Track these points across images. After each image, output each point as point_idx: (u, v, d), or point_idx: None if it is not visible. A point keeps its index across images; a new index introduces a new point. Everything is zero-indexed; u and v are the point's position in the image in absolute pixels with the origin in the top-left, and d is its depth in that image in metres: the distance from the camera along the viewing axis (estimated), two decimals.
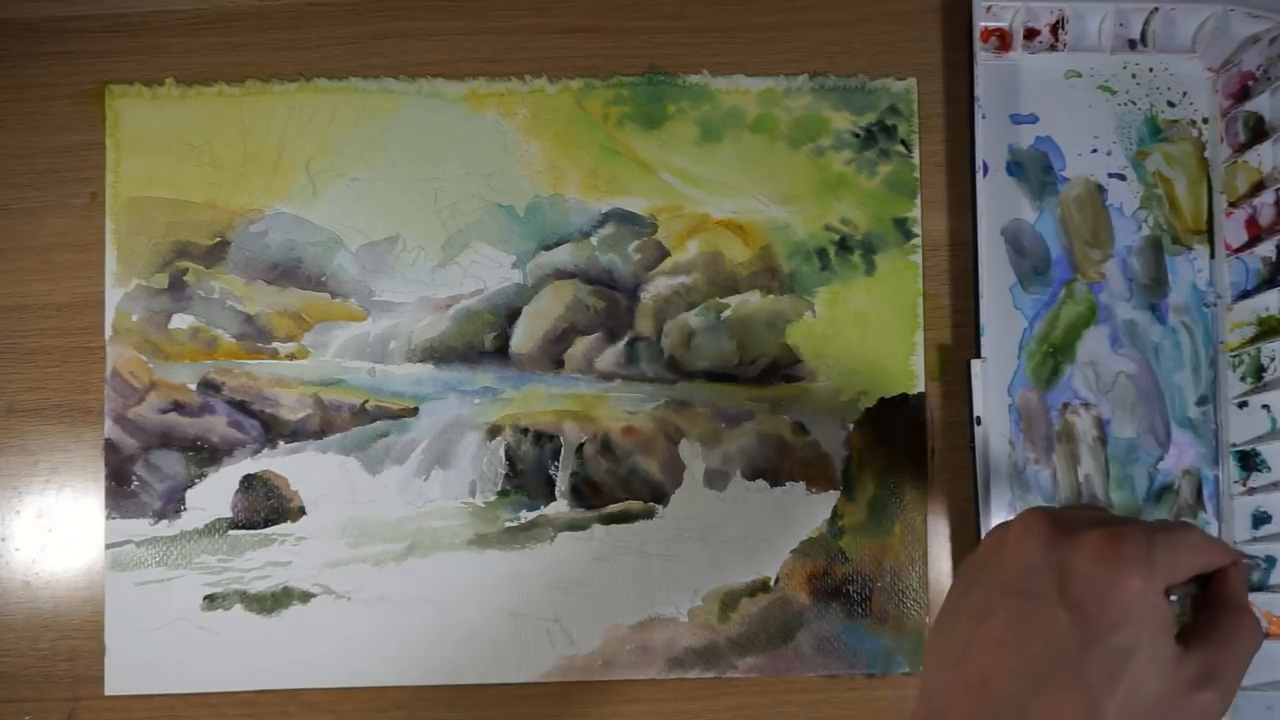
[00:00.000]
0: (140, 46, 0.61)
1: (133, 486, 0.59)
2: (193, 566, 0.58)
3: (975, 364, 0.57)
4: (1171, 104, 0.61)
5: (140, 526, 0.59)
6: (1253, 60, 0.59)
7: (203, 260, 0.60)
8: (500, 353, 0.60)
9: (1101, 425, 0.59)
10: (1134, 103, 0.61)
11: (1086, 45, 0.61)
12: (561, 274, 0.60)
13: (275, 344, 0.60)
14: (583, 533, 0.59)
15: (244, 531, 0.59)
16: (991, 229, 0.60)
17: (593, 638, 0.58)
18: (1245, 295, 0.59)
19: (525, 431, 0.60)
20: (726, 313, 0.60)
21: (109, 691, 0.58)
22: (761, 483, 0.59)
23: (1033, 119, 0.61)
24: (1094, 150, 0.61)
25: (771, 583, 0.59)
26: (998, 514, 0.58)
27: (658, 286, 0.60)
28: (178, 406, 0.59)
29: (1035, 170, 0.60)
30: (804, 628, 0.59)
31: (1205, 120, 0.61)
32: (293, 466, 0.59)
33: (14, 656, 0.59)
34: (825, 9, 0.61)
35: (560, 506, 0.59)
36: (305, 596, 0.58)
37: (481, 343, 0.60)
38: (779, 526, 0.59)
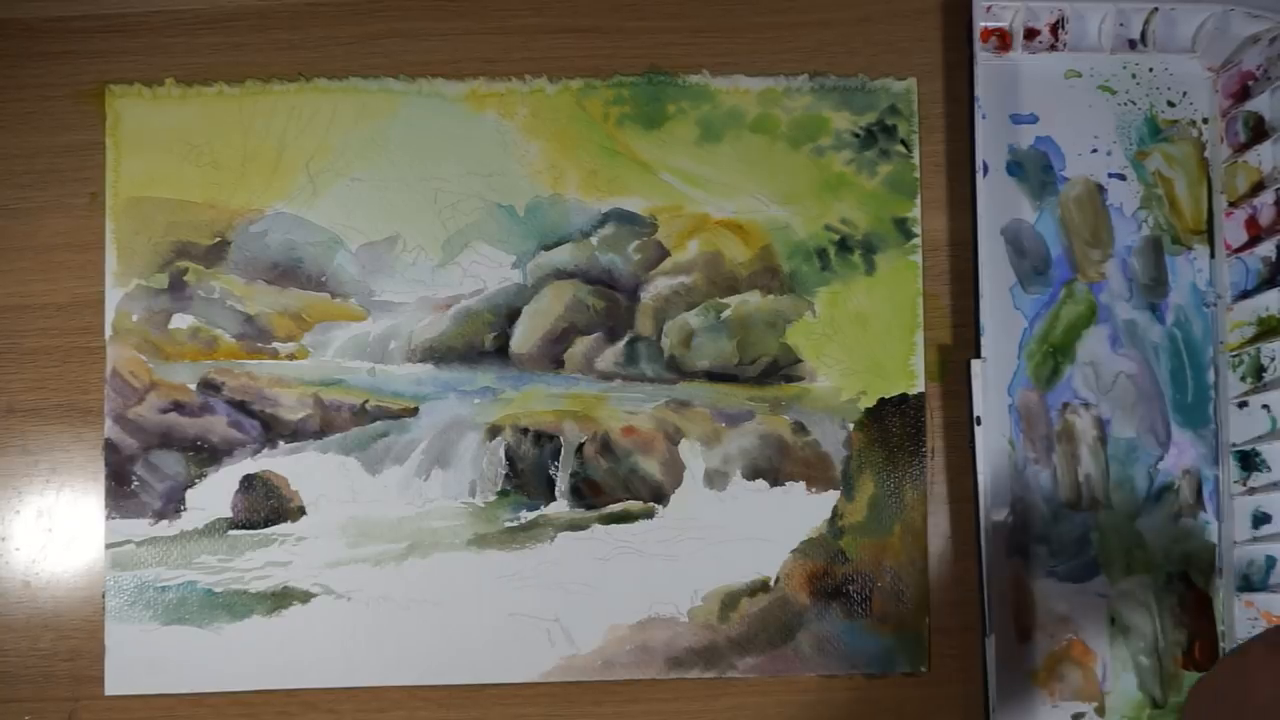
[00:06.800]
0: (140, 46, 0.61)
1: (133, 486, 0.59)
2: (193, 566, 0.58)
3: (975, 364, 0.57)
4: (1171, 104, 0.61)
5: (140, 526, 0.59)
6: (1253, 60, 0.59)
7: (203, 260, 0.60)
8: (500, 353, 0.60)
9: (1101, 425, 0.59)
10: (1134, 103, 0.61)
11: (1086, 45, 0.61)
12: (561, 274, 0.60)
13: (275, 344, 0.60)
14: (583, 533, 0.59)
15: (244, 531, 0.59)
16: (991, 229, 0.60)
17: (593, 638, 0.58)
18: (1245, 295, 0.59)
19: (525, 431, 0.60)
20: (726, 313, 0.60)
21: (109, 691, 0.58)
22: (761, 483, 0.59)
23: (1033, 119, 0.61)
24: (1094, 150, 0.61)
25: (771, 583, 0.59)
26: (998, 514, 0.58)
27: (658, 286, 0.60)
28: (178, 406, 0.59)
29: (1035, 170, 0.60)
30: (804, 628, 0.58)
31: (1205, 120, 0.61)
32: (293, 466, 0.59)
33: (14, 656, 0.59)
34: (825, 9, 0.61)
35: (560, 506, 0.59)
36: (305, 596, 0.58)
37: (481, 343, 0.60)
38: (779, 526, 0.59)
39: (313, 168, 0.60)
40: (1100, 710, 0.58)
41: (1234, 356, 0.59)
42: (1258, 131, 0.59)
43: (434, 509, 0.59)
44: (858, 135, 0.61)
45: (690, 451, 0.59)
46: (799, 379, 0.60)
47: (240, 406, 0.59)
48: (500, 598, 0.58)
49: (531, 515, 0.59)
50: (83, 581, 0.59)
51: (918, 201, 0.60)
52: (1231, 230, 0.60)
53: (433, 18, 0.61)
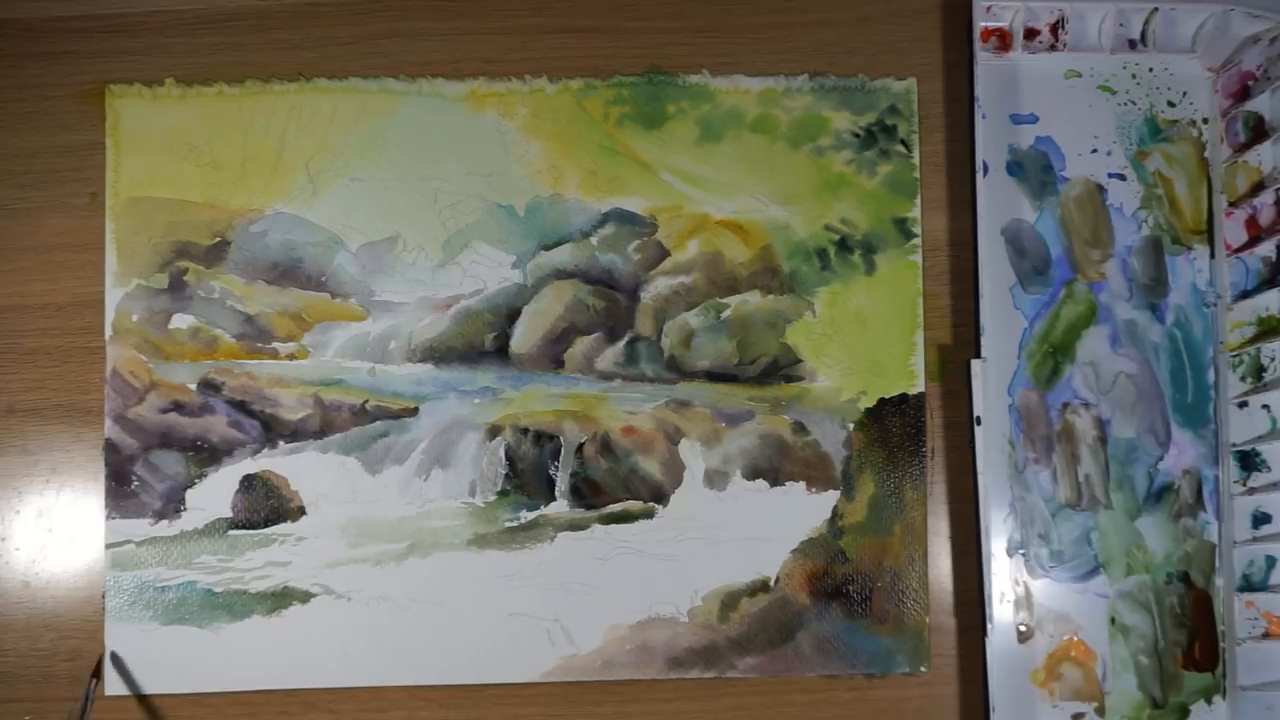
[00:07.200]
0: (140, 46, 0.61)
1: (133, 486, 0.59)
2: (193, 566, 0.58)
3: (975, 364, 0.57)
4: (1171, 104, 0.61)
5: (140, 526, 0.59)
6: (1253, 60, 0.59)
7: (203, 260, 0.60)
8: (500, 353, 0.60)
9: (1101, 425, 0.59)
10: (1134, 103, 0.61)
11: (1086, 45, 0.61)
12: (561, 274, 0.60)
13: (275, 344, 0.60)
14: (583, 533, 0.59)
15: (244, 531, 0.59)
16: (991, 229, 0.60)
17: (593, 638, 0.58)
18: (1245, 295, 0.59)
19: (525, 431, 0.60)
20: (726, 313, 0.60)
21: (109, 692, 0.58)
22: (761, 483, 0.59)
23: (1033, 119, 0.61)
24: (1094, 150, 0.61)
25: (771, 583, 0.59)
26: (998, 514, 0.58)
27: (658, 286, 0.60)
28: (178, 406, 0.59)
29: (1035, 170, 0.60)
30: (804, 628, 0.58)
31: (1205, 120, 0.61)
32: (293, 466, 0.59)
33: (14, 656, 0.59)
34: (825, 9, 0.61)
35: (560, 506, 0.59)
36: (305, 596, 0.58)
37: (481, 343, 0.60)
38: (779, 526, 0.59)
39: (313, 168, 0.60)
40: (1100, 710, 0.58)
41: (1234, 356, 0.59)
42: (1258, 131, 0.59)
43: (434, 509, 0.59)
44: (858, 135, 0.61)
45: (690, 451, 0.59)
46: (799, 379, 0.60)
47: (240, 406, 0.59)
48: (500, 598, 0.58)
49: (531, 515, 0.59)
50: (83, 581, 0.59)
51: (918, 201, 0.60)
52: (1231, 230, 0.60)
53: (433, 18, 0.61)
